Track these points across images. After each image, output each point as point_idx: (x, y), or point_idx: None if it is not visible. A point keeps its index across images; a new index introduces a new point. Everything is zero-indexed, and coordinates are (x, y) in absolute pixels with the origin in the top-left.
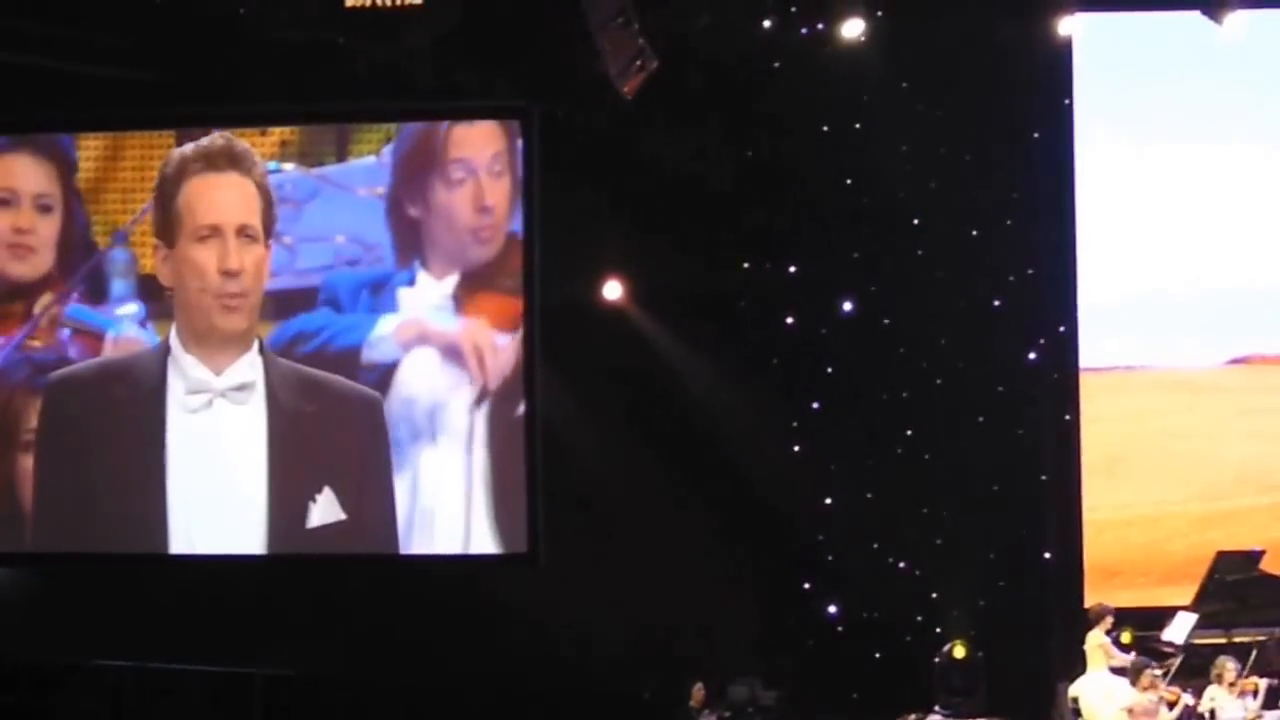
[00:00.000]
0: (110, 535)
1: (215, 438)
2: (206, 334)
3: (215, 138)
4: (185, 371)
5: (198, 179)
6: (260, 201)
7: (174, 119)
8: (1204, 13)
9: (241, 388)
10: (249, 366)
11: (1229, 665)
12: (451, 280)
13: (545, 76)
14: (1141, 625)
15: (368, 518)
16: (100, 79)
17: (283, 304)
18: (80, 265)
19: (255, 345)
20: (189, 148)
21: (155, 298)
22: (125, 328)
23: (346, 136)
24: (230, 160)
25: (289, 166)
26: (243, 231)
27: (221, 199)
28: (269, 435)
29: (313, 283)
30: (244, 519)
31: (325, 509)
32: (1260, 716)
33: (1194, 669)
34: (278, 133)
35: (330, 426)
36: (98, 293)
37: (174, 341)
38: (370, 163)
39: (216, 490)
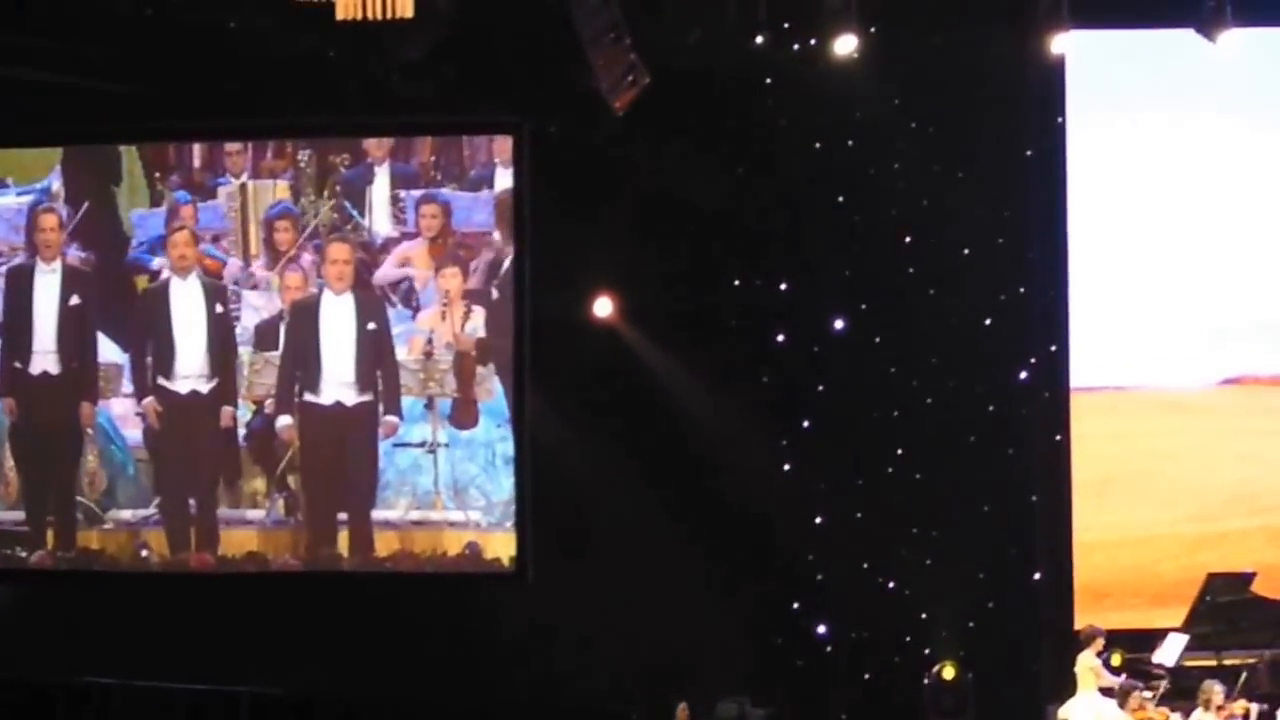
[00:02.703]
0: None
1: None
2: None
3: None
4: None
5: None
6: None
7: (163, 133)
8: (1198, 31)
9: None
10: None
11: (1216, 689)
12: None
13: (537, 92)
14: (1132, 647)
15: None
16: (86, 92)
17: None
18: None
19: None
20: None
21: None
22: None
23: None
24: None
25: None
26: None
27: None
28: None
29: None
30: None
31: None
32: None
33: (1185, 691)
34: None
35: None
36: None
37: None
38: None
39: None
